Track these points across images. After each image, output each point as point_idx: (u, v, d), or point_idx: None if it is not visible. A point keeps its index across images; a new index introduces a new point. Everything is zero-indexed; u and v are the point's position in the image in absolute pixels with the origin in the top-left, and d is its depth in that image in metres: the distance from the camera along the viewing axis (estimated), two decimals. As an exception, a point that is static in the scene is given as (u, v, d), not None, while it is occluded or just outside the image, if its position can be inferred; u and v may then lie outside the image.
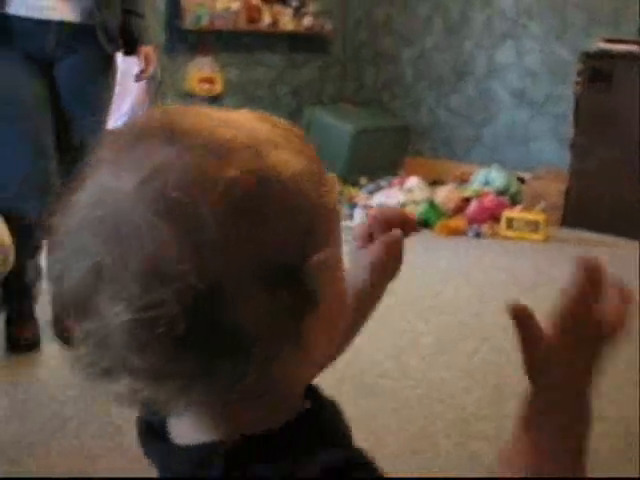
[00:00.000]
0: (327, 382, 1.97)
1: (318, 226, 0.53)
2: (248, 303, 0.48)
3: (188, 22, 4.52)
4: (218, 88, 4.80)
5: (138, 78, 2.47)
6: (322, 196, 0.54)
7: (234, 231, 0.48)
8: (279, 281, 0.49)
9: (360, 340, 2.35)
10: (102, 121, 2.35)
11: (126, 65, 3.86)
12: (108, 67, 2.34)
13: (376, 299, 0.82)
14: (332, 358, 0.73)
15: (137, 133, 0.52)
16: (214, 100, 4.85)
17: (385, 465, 1.66)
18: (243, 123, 0.56)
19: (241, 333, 0.48)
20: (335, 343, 0.61)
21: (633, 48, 3.92)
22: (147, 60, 2.38)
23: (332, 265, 0.55)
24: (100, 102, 2.34)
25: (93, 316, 0.49)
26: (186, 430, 0.55)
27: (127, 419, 1.96)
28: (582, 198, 4.14)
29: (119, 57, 2.45)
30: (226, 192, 0.48)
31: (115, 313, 0.47)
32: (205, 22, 4.55)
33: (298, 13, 5.06)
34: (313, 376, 0.63)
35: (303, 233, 0.52)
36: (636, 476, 1.80)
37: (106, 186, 0.50)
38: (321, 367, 0.68)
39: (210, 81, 4.74)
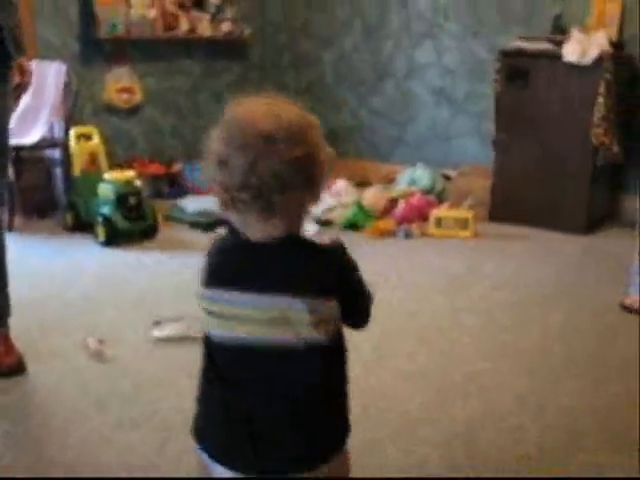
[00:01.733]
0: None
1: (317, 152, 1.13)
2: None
3: (103, 31, 4.41)
4: (137, 98, 4.69)
5: (18, 91, 2.34)
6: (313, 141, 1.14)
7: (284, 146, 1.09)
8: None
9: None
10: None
11: (41, 78, 3.74)
12: None
13: None
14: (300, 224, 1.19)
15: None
16: (134, 110, 4.75)
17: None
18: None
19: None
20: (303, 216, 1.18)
21: (547, 46, 4.01)
22: (23, 72, 2.28)
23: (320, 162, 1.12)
24: None
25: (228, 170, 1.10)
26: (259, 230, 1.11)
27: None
28: (506, 193, 4.21)
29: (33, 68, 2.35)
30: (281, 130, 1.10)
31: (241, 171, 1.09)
32: (120, 31, 4.45)
33: (216, 19, 4.99)
34: (299, 224, 1.18)
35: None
36: (582, 467, 1.83)
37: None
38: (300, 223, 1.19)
39: (129, 91, 4.63)
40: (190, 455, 1.86)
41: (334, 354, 1.21)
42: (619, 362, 2.46)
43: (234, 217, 1.13)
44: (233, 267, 1.16)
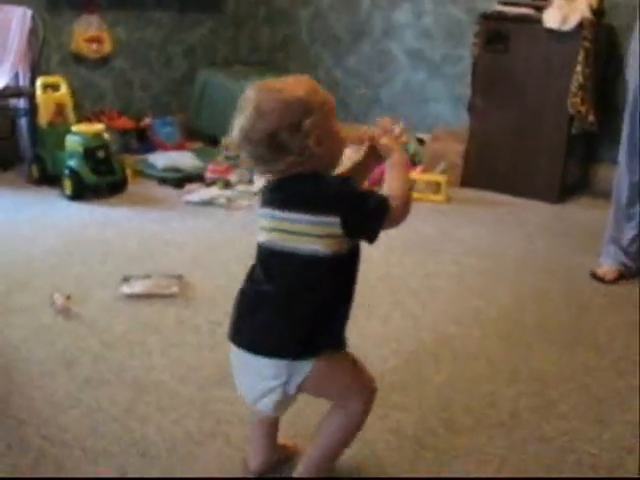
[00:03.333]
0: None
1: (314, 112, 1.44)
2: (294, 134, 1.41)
3: (72, -23, 4.25)
4: (107, 48, 4.55)
5: None
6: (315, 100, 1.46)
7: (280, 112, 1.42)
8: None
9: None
10: None
11: (5, 23, 3.61)
12: None
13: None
14: (333, 165, 1.51)
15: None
16: (103, 61, 4.61)
17: (308, 443, 1.61)
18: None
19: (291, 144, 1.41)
20: (333, 157, 1.50)
21: (528, 11, 3.96)
22: None
23: (321, 124, 1.44)
24: None
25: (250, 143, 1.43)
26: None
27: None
28: (480, 159, 4.19)
29: None
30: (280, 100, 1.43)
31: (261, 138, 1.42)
32: (90, -23, 4.30)
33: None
34: (332, 165, 1.51)
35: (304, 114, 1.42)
36: (556, 433, 1.84)
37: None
38: (332, 165, 1.51)
39: (98, 40, 4.50)
40: (160, 413, 1.84)
41: (334, 269, 1.46)
42: (590, 330, 2.47)
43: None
44: (274, 192, 1.49)
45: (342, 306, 1.51)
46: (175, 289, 2.56)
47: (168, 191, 3.83)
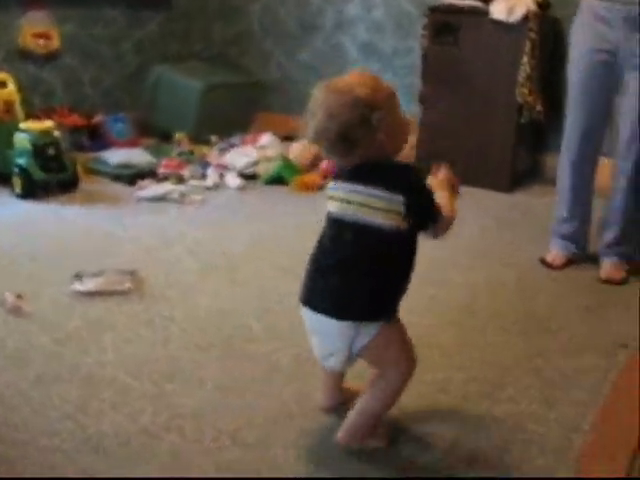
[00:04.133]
0: (195, 349, 1.91)
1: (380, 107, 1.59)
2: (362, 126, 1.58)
3: (18, -28, 4.18)
4: (55, 44, 4.49)
5: None
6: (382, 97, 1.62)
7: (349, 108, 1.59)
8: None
9: (226, 304, 2.31)
10: None
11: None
12: None
13: None
14: (400, 150, 1.68)
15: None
16: (51, 57, 4.55)
17: (262, 432, 1.64)
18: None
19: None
20: (399, 143, 1.67)
21: (476, 3, 4.01)
22: None
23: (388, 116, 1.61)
24: None
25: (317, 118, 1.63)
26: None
27: None
28: (431, 149, 4.23)
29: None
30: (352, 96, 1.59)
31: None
32: (37, -28, 4.23)
33: (139, -36, 4.80)
34: (399, 151, 1.67)
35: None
36: (505, 415, 1.88)
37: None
38: (396, 151, 1.67)
39: (46, 36, 4.42)
40: (114, 409, 1.83)
41: (397, 243, 1.65)
42: (541, 315, 2.53)
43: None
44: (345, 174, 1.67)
45: (402, 279, 1.70)
46: (128, 285, 2.55)
47: (121, 188, 3.79)
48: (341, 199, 1.64)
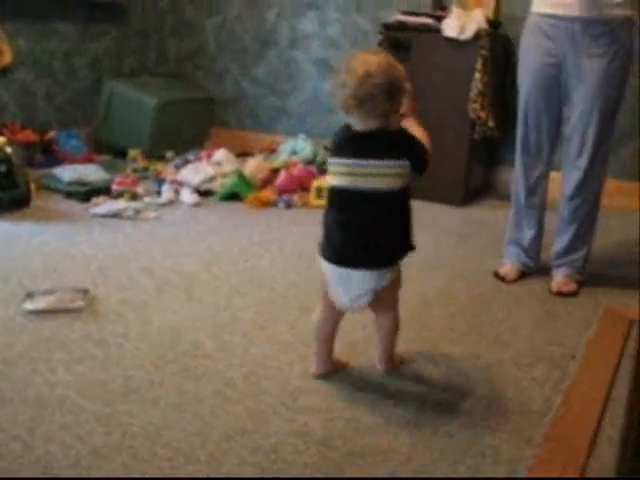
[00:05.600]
0: (149, 367, 1.89)
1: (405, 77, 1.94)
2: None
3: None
4: (7, 58, 4.43)
5: None
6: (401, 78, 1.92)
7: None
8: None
9: (180, 321, 2.29)
10: None
11: None
12: None
13: None
14: (398, 123, 1.99)
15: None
16: (3, 72, 4.49)
17: (216, 449, 1.63)
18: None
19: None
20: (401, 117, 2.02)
21: (428, 21, 4.07)
22: None
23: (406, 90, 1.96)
24: None
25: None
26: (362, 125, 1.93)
27: None
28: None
29: None
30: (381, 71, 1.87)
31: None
32: (-13, -13, 4.19)
33: (92, -21, 4.78)
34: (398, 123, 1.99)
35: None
36: (460, 427, 1.89)
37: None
38: (398, 122, 1.99)
39: (-3, 51, 4.37)
40: (64, 430, 1.80)
41: (402, 198, 1.98)
42: (493, 328, 2.55)
43: (351, 118, 1.93)
44: (351, 145, 1.94)
45: (410, 223, 2.04)
46: (81, 303, 2.52)
47: (74, 205, 3.75)
48: (349, 172, 1.91)
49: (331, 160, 1.97)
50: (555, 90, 2.85)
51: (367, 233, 1.95)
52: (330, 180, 1.96)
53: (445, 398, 2.06)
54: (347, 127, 1.97)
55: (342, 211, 1.95)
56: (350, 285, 1.98)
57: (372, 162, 1.90)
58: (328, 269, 1.99)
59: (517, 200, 3.06)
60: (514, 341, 2.46)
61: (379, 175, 1.90)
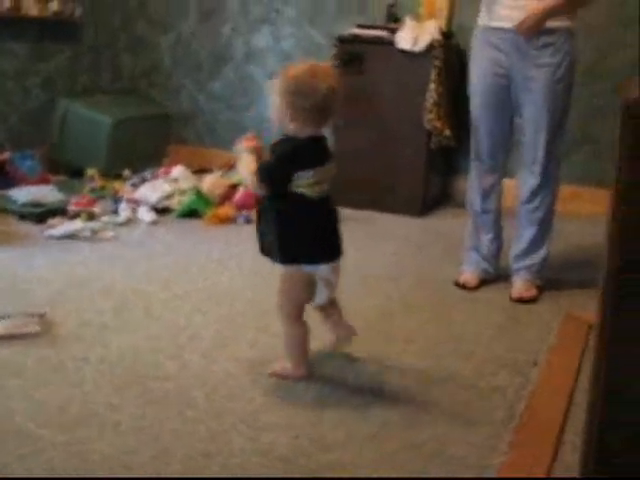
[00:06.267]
0: (109, 391, 1.85)
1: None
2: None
3: None
4: (-44, 81, 4.36)
5: None
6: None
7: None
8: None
9: (140, 342, 2.25)
10: None
11: None
12: None
13: None
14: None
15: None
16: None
17: (179, 473, 1.59)
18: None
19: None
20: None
21: (382, 33, 4.09)
22: None
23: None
24: None
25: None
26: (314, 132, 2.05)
27: None
28: (345, 177, 4.24)
29: None
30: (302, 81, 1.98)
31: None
32: None
33: (42, -3, 4.71)
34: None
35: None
36: (424, 439, 1.88)
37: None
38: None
39: (-55, 73, 4.29)
40: (20, 460, 1.75)
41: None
42: (455, 337, 2.56)
43: (298, 127, 2.00)
44: (311, 153, 2.04)
45: None
46: (37, 328, 2.46)
47: (29, 227, 3.68)
48: (316, 182, 2.03)
49: (300, 174, 2.00)
50: (505, 100, 2.90)
51: (336, 225, 2.16)
52: (301, 191, 2.02)
53: (409, 411, 2.05)
54: (292, 138, 2.04)
55: (320, 213, 2.09)
56: (333, 277, 2.16)
57: (327, 166, 2.07)
58: (323, 270, 2.13)
59: (472, 206, 3.09)
60: (476, 349, 2.47)
61: (327, 180, 2.08)
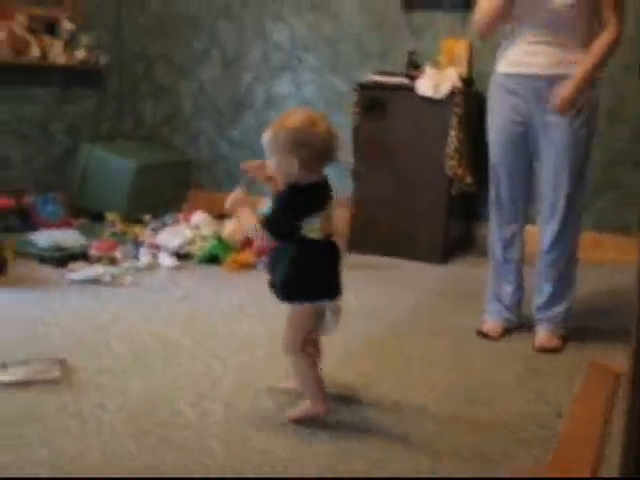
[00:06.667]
0: (127, 439, 1.82)
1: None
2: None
3: (-57, 54, 4.13)
4: (-17, 125, 4.44)
5: None
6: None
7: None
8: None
9: (159, 390, 2.23)
10: None
11: None
12: None
13: None
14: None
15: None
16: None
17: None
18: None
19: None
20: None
21: (402, 80, 4.12)
22: None
23: None
24: None
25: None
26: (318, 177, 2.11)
27: None
28: (365, 223, 4.27)
29: None
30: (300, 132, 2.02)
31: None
32: (-37, 54, 4.19)
33: (70, 45, 4.81)
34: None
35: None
36: None
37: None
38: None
39: (-27, 118, 4.37)
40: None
41: None
42: (478, 387, 2.52)
43: (302, 175, 2.03)
44: (318, 198, 2.08)
45: None
46: (56, 374, 2.45)
47: (50, 271, 3.70)
48: (322, 224, 2.08)
49: (307, 220, 2.05)
50: (524, 147, 2.88)
51: (338, 264, 2.18)
52: (308, 235, 2.06)
53: (430, 463, 2.01)
54: (295, 187, 2.06)
55: (325, 253, 2.13)
56: (336, 312, 2.18)
57: (329, 204, 2.12)
58: (327, 306, 2.16)
59: (494, 256, 3.06)
60: (498, 400, 2.42)
61: (333, 212, 2.14)
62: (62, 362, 2.54)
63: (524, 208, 2.99)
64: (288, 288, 2.13)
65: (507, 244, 3.01)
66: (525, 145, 2.88)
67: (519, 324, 3.09)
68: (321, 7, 4.75)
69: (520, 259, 3.04)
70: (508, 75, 2.85)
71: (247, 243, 4.12)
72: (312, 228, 2.06)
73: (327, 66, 4.79)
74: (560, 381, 2.60)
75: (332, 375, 2.54)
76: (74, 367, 2.54)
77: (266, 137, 2.07)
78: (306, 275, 2.11)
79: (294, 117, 2.05)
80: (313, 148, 2.00)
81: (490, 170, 2.98)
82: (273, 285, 2.19)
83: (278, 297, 2.17)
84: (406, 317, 3.22)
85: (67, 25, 4.82)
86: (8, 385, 2.37)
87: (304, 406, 2.20)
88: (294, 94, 4.91)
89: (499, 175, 2.95)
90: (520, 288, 3.07)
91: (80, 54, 4.86)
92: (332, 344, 2.85)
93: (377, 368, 2.64)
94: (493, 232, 3.04)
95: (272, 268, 2.20)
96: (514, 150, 2.89)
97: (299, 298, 2.13)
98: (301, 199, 2.05)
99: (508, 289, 3.05)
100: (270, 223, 2.05)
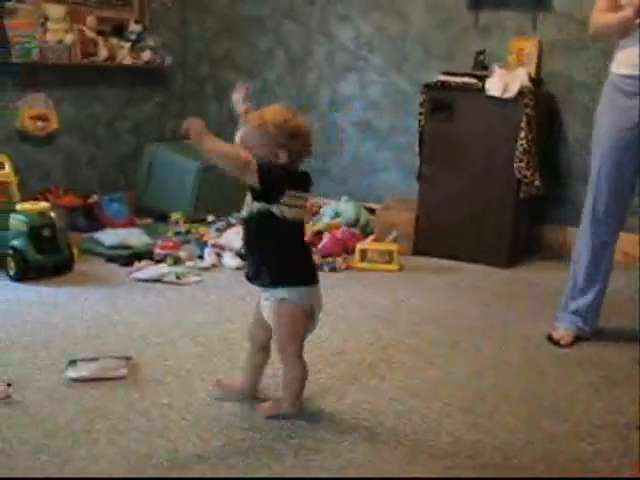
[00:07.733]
0: (195, 440, 1.79)
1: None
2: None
3: (16, 55, 4.21)
4: (53, 125, 4.51)
5: None
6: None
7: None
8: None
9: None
10: None
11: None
12: None
13: None
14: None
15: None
16: (49, 138, 4.55)
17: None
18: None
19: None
20: None
21: (470, 80, 4.04)
22: None
23: None
24: None
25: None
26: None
27: None
28: (430, 226, 4.20)
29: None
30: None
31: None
32: (35, 55, 4.27)
33: (136, 47, 4.86)
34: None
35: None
36: None
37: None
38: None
39: (44, 118, 4.45)
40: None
41: None
42: (550, 395, 2.44)
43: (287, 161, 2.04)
44: (301, 180, 2.10)
45: None
46: (124, 371, 2.46)
47: (116, 269, 3.74)
48: (302, 205, 2.07)
49: (291, 192, 2.03)
50: (633, 154, 2.72)
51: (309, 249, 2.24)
52: (289, 213, 2.03)
53: (504, 474, 1.95)
54: (284, 166, 2.04)
55: (301, 238, 2.14)
56: (319, 298, 2.17)
57: (307, 195, 2.11)
58: (312, 293, 2.13)
59: (578, 263, 2.92)
60: (573, 410, 2.34)
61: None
62: (129, 360, 2.55)
63: (621, 220, 2.85)
64: (269, 269, 2.09)
65: (597, 257, 2.86)
66: (634, 153, 2.71)
67: (591, 333, 2.98)
68: (387, 7, 4.70)
69: (607, 270, 2.90)
70: (621, 76, 2.68)
71: (311, 244, 4.09)
72: (291, 203, 2.02)
73: (392, 66, 4.73)
74: (635, 391, 2.49)
75: (403, 383, 2.50)
76: (140, 365, 2.55)
77: (249, 131, 2.11)
78: (296, 257, 2.12)
79: (278, 111, 2.07)
80: (303, 139, 2.05)
81: (591, 179, 2.82)
82: (256, 270, 2.13)
83: (260, 283, 2.14)
84: (474, 322, 3.14)
85: (134, 27, 4.88)
86: (78, 382, 2.39)
87: (277, 404, 2.22)
88: (358, 95, 4.87)
89: (600, 185, 2.78)
90: (602, 296, 2.92)
91: (146, 55, 4.91)
92: (399, 350, 2.81)
93: (445, 376, 2.58)
94: (583, 243, 2.88)
95: (247, 255, 2.19)
96: (621, 159, 2.73)
97: (291, 282, 2.10)
98: (282, 169, 2.04)
99: (586, 300, 2.91)
100: (264, 167, 2.00)
